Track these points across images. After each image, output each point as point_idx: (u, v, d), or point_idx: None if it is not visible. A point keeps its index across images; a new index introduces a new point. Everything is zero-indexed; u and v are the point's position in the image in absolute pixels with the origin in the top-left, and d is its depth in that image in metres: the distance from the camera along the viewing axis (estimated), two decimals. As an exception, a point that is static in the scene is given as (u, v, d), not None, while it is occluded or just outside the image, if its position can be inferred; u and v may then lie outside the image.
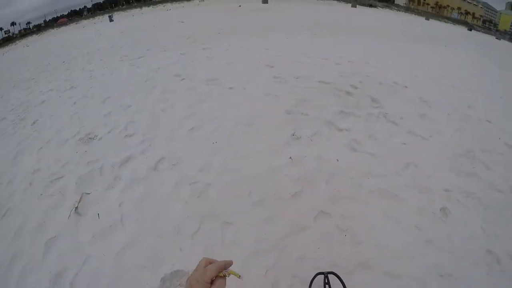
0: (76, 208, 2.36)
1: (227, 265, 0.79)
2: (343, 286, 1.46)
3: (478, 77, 6.11)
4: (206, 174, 2.50)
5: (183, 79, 4.71)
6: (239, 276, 0.78)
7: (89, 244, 2.08)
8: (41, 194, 2.59)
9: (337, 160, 2.51)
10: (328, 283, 1.51)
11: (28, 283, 1.96)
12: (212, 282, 0.72)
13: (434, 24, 29.17)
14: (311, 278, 1.60)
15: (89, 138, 3.11)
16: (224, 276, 0.75)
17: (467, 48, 12.29)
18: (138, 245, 2.03)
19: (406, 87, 4.21)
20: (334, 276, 1.52)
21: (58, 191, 2.57)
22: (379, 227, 1.98)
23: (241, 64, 5.27)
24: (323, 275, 1.53)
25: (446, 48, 10.50)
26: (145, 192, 2.37)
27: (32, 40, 36.52)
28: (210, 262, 0.78)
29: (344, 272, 1.72)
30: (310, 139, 2.79)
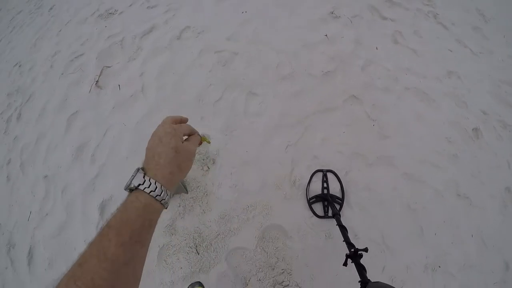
0: (97, 81, 2.24)
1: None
2: (340, 185, 1.56)
3: None
4: (234, 43, 2.14)
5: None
6: (209, 142, 0.73)
7: (109, 115, 2.00)
8: (62, 74, 2.50)
9: (376, 48, 2.14)
10: (326, 180, 1.56)
11: (53, 159, 2.01)
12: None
13: None
14: (331, 161, 1.65)
15: (109, 13, 2.83)
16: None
17: None
18: (159, 113, 1.88)
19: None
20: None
21: (78, 68, 2.45)
22: (409, 127, 1.77)
23: None
24: (322, 173, 1.59)
25: None
26: (168, 62, 2.14)
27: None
28: (176, 120, 0.61)
29: (365, 163, 1.63)
30: (350, 20, 2.26)
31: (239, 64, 1.99)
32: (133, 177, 0.47)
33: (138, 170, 0.49)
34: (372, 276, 0.81)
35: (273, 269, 1.54)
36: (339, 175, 1.59)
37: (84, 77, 2.37)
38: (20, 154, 2.20)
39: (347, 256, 0.89)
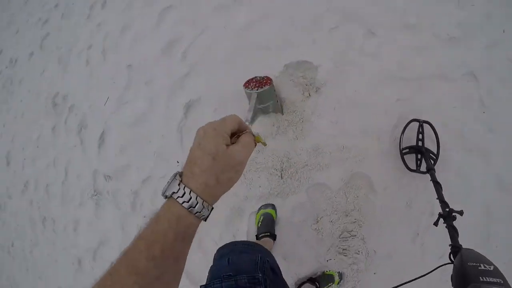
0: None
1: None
2: (436, 139, 1.34)
3: None
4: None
5: None
6: (265, 144, 0.56)
7: (209, 15, 1.83)
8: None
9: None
10: (422, 132, 1.36)
11: (139, 50, 1.92)
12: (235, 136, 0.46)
13: None
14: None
15: None
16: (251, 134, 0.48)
17: None
18: (266, 25, 1.71)
19: None
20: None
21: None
22: None
23: None
24: (418, 123, 1.38)
25: None
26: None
27: None
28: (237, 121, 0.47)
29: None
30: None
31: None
32: (169, 183, 0.39)
33: (175, 175, 0.40)
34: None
35: (347, 215, 1.46)
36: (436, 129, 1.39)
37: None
38: (102, 41, 2.13)
39: (440, 216, 0.81)
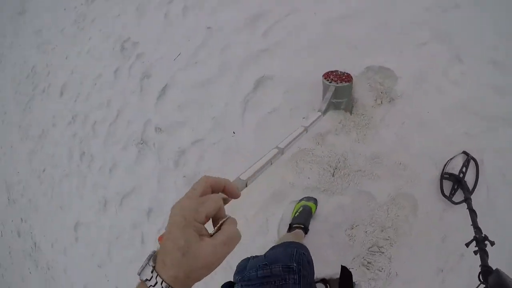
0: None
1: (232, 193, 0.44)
2: (476, 176, 1.35)
3: None
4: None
5: None
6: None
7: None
8: None
9: None
10: (467, 165, 1.35)
11: (221, 16, 1.92)
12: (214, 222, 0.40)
13: None
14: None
15: None
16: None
17: None
18: (358, 23, 1.66)
19: None
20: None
21: None
22: None
23: None
24: (467, 156, 1.39)
25: None
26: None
27: None
28: (212, 183, 0.41)
29: None
30: None
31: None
32: (143, 267, 0.37)
33: (150, 257, 0.37)
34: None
35: (382, 231, 1.44)
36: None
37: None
38: None
39: (475, 238, 0.87)
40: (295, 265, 0.76)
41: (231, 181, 0.46)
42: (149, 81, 2.04)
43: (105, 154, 2.33)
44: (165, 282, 0.35)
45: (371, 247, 1.43)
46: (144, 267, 0.37)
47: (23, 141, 3.52)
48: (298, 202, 1.52)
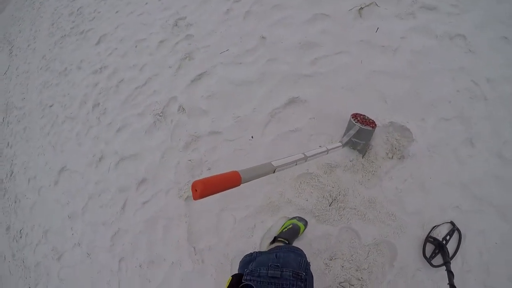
0: None
1: None
2: (457, 247, 1.48)
3: None
4: None
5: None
6: None
7: (355, 42, 1.94)
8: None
9: None
10: (451, 234, 1.50)
11: (280, 31, 2.06)
12: None
13: None
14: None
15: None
16: None
17: None
18: (396, 81, 1.84)
19: None
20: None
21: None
22: None
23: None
24: (453, 227, 1.52)
25: None
26: None
27: None
28: None
29: None
30: None
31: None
32: None
33: None
34: None
35: (357, 270, 1.54)
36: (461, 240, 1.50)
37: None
38: (253, 3, 2.25)
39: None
40: (304, 274, 0.80)
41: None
42: (190, 63, 2.16)
43: (119, 112, 2.40)
44: None
45: (342, 282, 1.51)
46: None
47: (41, 71, 3.55)
48: (290, 219, 1.61)
